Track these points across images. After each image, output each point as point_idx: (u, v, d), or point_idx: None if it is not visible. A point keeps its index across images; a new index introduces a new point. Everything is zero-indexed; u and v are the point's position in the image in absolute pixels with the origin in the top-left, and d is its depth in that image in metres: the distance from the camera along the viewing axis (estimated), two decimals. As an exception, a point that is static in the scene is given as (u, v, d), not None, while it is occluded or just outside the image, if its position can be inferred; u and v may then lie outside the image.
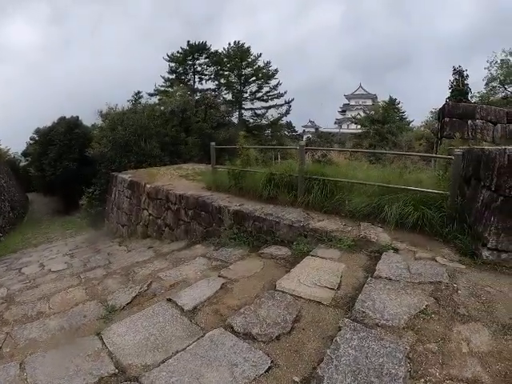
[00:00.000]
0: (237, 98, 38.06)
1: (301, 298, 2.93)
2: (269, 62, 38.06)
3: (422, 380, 1.89)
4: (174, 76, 37.81)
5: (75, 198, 16.23)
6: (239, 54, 37.86)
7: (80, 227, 14.29)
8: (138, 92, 33.24)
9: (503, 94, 21.94)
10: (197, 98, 21.71)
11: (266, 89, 38.55)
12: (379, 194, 4.89)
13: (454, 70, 13.37)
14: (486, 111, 12.12)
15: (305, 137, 47.03)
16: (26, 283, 5.65)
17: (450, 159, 4.74)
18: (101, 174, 13.91)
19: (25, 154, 31.68)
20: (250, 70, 38.26)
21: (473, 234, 3.77)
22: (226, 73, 38.71)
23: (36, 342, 2.94)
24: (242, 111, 38.41)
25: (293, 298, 2.92)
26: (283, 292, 3.04)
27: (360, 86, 62.97)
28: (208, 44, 37.71)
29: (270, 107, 38.24)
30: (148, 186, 8.61)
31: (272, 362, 2.16)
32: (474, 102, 14.64)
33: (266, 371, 2.09)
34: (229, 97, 38.01)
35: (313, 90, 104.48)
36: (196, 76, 38.40)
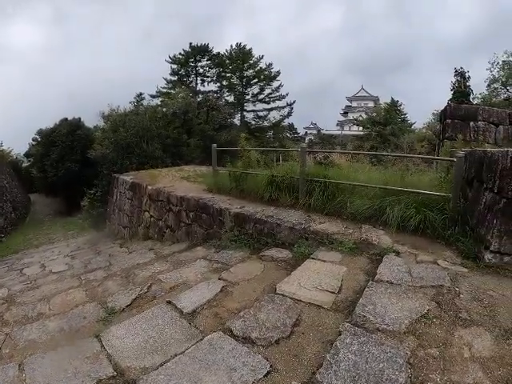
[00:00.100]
0: (239, 99, 38.12)
1: (301, 301, 2.91)
2: (270, 64, 38.19)
3: (423, 386, 1.86)
4: (176, 78, 37.93)
5: (77, 200, 16.27)
6: (241, 55, 37.96)
7: (81, 228, 14.30)
8: (140, 94, 33.39)
9: (505, 95, 21.87)
10: (199, 99, 21.81)
11: (267, 91, 38.66)
12: (381, 197, 4.87)
13: (456, 71, 13.35)
14: (488, 113, 12.07)
15: (307, 139, 47.06)
16: (26, 284, 5.65)
17: (452, 161, 4.72)
18: (102, 175, 13.96)
19: (27, 154, 31.72)
20: (251, 71, 38.35)
21: (475, 236, 3.74)
22: (227, 75, 38.81)
23: (35, 343, 2.95)
24: (244, 113, 38.50)
25: (293, 302, 2.90)
26: (283, 295, 3.02)
27: (362, 88, 62.93)
28: (210, 46, 37.87)
29: (271, 109, 38.33)
30: (149, 187, 8.61)
31: (271, 366, 2.14)
32: (476, 104, 14.59)
33: (265, 376, 2.06)
34: (231, 99, 38.16)
35: (314, 92, 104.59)
36: (198, 78, 38.53)
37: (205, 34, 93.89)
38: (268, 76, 38.19)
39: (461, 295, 2.79)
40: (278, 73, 38.32)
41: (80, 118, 22.47)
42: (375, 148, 22.64)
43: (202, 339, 2.50)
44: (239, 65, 38.07)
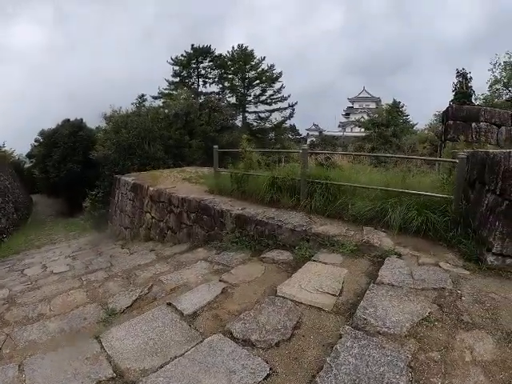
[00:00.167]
0: (241, 101, 38.18)
1: (302, 303, 2.89)
2: (272, 66, 38.26)
3: (424, 390, 1.85)
4: (178, 79, 38.06)
5: (79, 200, 16.31)
6: (243, 57, 38.03)
7: (83, 229, 14.32)
8: (142, 95, 33.43)
9: (507, 96, 21.78)
10: (201, 101, 21.81)
11: (269, 92, 38.71)
12: (382, 198, 4.85)
13: (458, 72, 13.29)
14: (490, 114, 12.01)
15: (308, 140, 46.97)
16: (27, 284, 5.66)
17: (454, 163, 4.70)
18: (104, 176, 13.98)
19: (29, 155, 31.90)
20: (253, 73, 38.41)
21: (477, 238, 3.72)
22: (229, 76, 38.90)
23: (36, 344, 2.95)
24: (246, 114, 38.56)
25: (293, 304, 2.88)
26: (284, 298, 3.01)
27: (364, 89, 62.89)
28: (212, 48, 37.94)
29: (273, 110, 38.37)
30: (151, 188, 8.61)
31: (271, 369, 2.12)
32: (478, 105, 14.53)
33: (265, 379, 2.05)
34: (233, 100, 38.24)
35: (316, 93, 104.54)
36: (200, 79, 38.64)
37: (205, 34, 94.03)
38: (270, 77, 38.23)
39: (463, 298, 2.77)
40: (280, 74, 38.42)
41: (82, 119, 22.63)
42: (376, 149, 22.60)
43: (201, 341, 2.49)
44: (241, 66, 38.13)
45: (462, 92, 12.85)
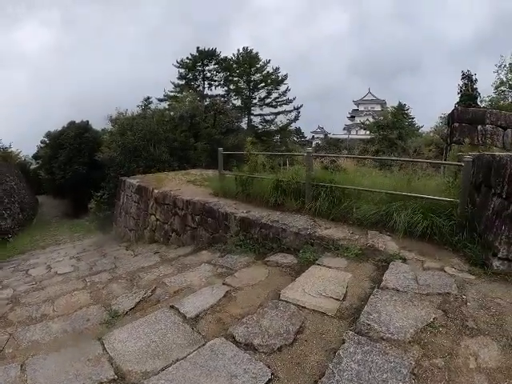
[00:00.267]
0: (246, 103, 38.18)
1: (305, 308, 2.88)
2: (277, 68, 38.20)
3: (427, 397, 1.82)
4: (183, 82, 38.14)
5: (84, 202, 16.40)
6: (248, 60, 38.04)
7: (88, 230, 14.39)
8: (148, 97, 33.59)
9: (513, 98, 21.60)
10: (206, 103, 21.86)
11: (274, 95, 38.64)
12: (387, 202, 4.82)
13: (463, 74, 13.22)
14: (495, 116, 11.93)
15: (314, 143, 46.96)
16: (32, 285, 5.69)
17: (459, 166, 4.66)
18: (110, 178, 14.04)
19: (35, 156, 32.17)
20: (258, 75, 38.39)
21: (483, 242, 3.68)
22: (235, 79, 38.90)
23: (38, 344, 2.97)
24: (251, 117, 38.51)
25: (297, 309, 2.87)
26: (287, 302, 2.99)
27: (369, 92, 62.78)
28: (217, 50, 38.05)
29: (278, 113, 38.27)
30: (156, 191, 8.63)
31: (272, 374, 2.11)
32: (484, 107, 14.41)
33: (266, 384, 2.04)
34: (238, 102, 38.21)
35: (321, 96, 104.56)
36: (205, 82, 38.69)
37: (210, 36, 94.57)
38: (275, 80, 38.20)
39: (468, 303, 2.74)
40: (285, 77, 38.34)
41: (88, 121, 22.80)
42: (382, 152, 22.51)
43: (204, 345, 2.49)
44: (246, 69, 38.15)
45: (468, 94, 12.78)
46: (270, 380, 2.06)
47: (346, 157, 14.09)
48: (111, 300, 3.83)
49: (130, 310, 3.50)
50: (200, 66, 38.18)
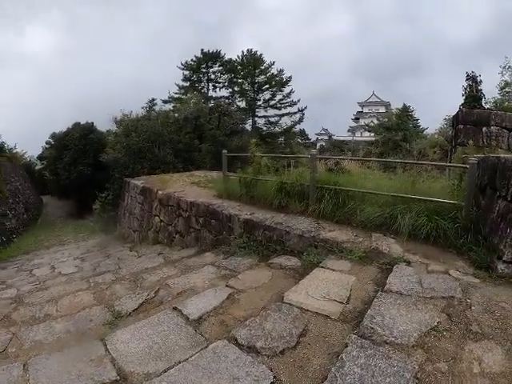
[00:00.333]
0: (250, 105, 38.19)
1: (308, 311, 2.86)
2: (282, 70, 38.19)
3: (431, 402, 1.81)
4: (188, 84, 38.19)
5: (88, 202, 16.47)
6: (252, 61, 38.08)
7: (92, 231, 14.45)
8: (153, 99, 33.60)
9: (518, 99, 21.42)
10: (210, 105, 21.87)
11: (279, 96, 38.61)
12: (392, 204, 4.79)
13: (468, 75, 13.08)
14: (500, 118, 11.82)
15: (318, 145, 46.96)
16: (35, 285, 5.73)
17: (464, 168, 4.63)
18: (114, 179, 14.08)
19: (40, 157, 32.40)
20: (263, 77, 38.41)
21: (488, 245, 3.65)
22: (239, 80, 38.93)
23: (41, 344, 2.99)
24: (256, 119, 38.49)
25: (300, 311, 2.86)
26: (290, 304, 2.98)
27: (373, 94, 62.71)
28: (222, 52, 38.12)
29: (283, 115, 38.23)
30: (160, 192, 8.66)
31: (275, 377, 2.10)
32: (488, 108, 14.28)
33: (268, 387, 2.03)
34: (242, 104, 38.20)
35: (325, 98, 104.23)
36: (210, 84, 38.73)
37: (213, 37, 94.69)
38: (279, 82, 38.20)
39: (472, 307, 2.71)
40: (290, 79, 38.31)
41: (93, 123, 22.92)
42: (387, 154, 22.44)
43: (206, 347, 2.48)
44: (251, 71, 38.19)
45: (472, 95, 12.67)
46: (272, 383, 2.05)
47: (351, 159, 14.04)
48: (114, 301, 3.85)
49: (133, 311, 3.51)
50: (204, 68, 38.25)
